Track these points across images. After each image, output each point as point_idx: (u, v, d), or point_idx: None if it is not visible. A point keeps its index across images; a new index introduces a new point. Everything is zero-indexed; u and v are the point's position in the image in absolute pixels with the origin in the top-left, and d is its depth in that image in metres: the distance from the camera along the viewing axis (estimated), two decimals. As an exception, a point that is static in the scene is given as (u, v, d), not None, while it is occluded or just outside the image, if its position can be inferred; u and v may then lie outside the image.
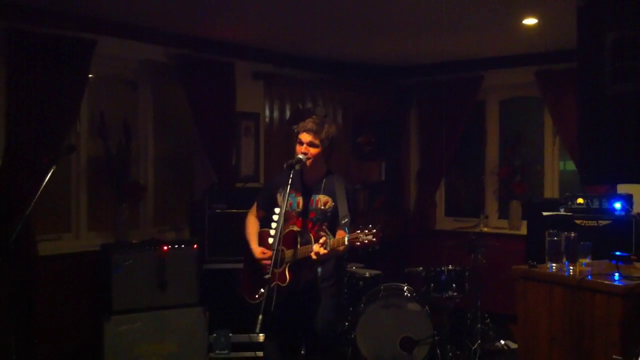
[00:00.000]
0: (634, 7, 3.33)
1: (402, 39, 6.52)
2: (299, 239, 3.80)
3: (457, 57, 7.20)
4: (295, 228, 3.86)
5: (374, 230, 3.53)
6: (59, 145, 5.17)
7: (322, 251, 3.63)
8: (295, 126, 3.98)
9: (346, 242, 3.57)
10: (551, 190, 7.30)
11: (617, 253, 4.17)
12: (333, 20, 5.74)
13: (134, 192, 5.99)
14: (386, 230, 3.83)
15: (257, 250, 3.96)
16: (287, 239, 3.79)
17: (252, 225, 4.15)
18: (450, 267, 5.74)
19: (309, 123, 3.89)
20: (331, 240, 3.66)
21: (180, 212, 6.61)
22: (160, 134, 6.43)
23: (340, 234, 3.70)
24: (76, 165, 5.77)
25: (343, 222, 3.70)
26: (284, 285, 3.71)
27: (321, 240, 3.66)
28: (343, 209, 3.78)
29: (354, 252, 3.81)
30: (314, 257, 3.67)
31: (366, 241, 3.53)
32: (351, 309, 5.72)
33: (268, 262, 3.70)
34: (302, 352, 4.12)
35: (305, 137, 3.87)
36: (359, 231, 3.56)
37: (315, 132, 3.85)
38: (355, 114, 7.92)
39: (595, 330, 3.75)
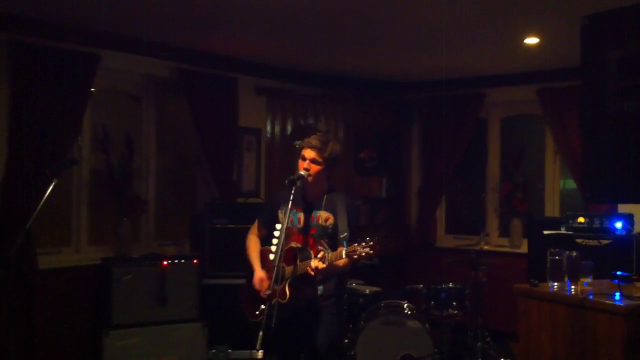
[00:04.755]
0: (638, 26, 3.35)
1: (405, 56, 6.54)
2: (298, 255, 3.79)
3: (459, 74, 7.22)
4: (296, 244, 3.86)
5: (371, 243, 3.53)
6: (61, 158, 5.17)
7: (321, 265, 3.63)
8: (299, 142, 3.97)
9: (344, 256, 3.57)
10: (552, 208, 7.29)
11: (619, 273, 4.16)
12: (336, 36, 5.76)
13: (135, 206, 5.98)
14: (385, 245, 3.83)
15: (257, 276, 3.95)
16: (287, 256, 3.79)
17: (253, 245, 4.14)
18: (450, 284, 5.72)
19: (314, 140, 3.88)
20: (329, 254, 3.66)
21: (181, 226, 6.60)
22: (162, 148, 6.44)
23: (339, 250, 3.69)
24: (77, 178, 5.77)
25: (341, 237, 3.70)
26: (284, 301, 3.70)
27: (319, 255, 3.66)
28: (343, 225, 3.78)
29: (353, 266, 3.80)
30: (311, 272, 3.66)
31: (363, 254, 3.53)
32: (351, 325, 5.69)
33: (264, 291, 3.72)
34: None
35: (309, 153, 3.87)
36: (356, 244, 3.56)
37: (318, 149, 3.85)
38: (357, 129, 7.93)
39: (598, 350, 3.73)
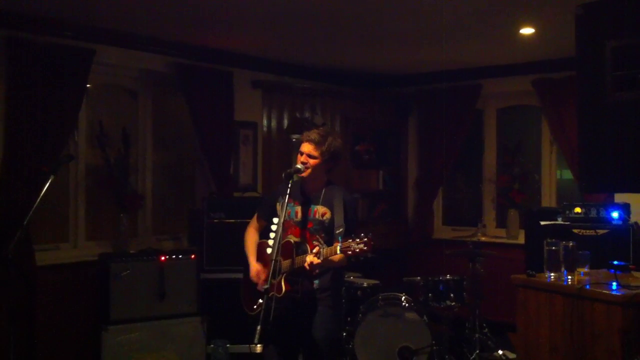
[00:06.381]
0: (633, 15, 3.35)
1: (401, 49, 6.53)
2: (295, 250, 3.80)
3: (455, 65, 7.21)
4: (293, 238, 3.87)
5: (365, 239, 3.55)
6: (58, 154, 5.15)
7: (316, 261, 3.65)
8: (298, 135, 3.99)
9: (338, 251, 3.59)
10: (549, 199, 7.31)
11: (615, 262, 4.17)
12: (332, 30, 5.75)
13: (133, 202, 5.98)
14: (383, 238, 3.85)
15: (253, 269, 3.97)
16: (285, 250, 3.80)
17: (251, 238, 4.16)
18: (448, 276, 5.73)
19: (313, 134, 3.90)
20: (324, 249, 3.67)
21: (179, 221, 6.59)
22: (159, 143, 6.43)
23: (335, 245, 3.70)
24: (75, 174, 5.75)
25: (337, 232, 3.70)
26: (280, 296, 3.71)
27: (315, 250, 3.68)
28: (339, 220, 3.79)
29: (348, 261, 3.82)
30: (307, 267, 3.67)
31: (357, 250, 3.55)
32: (349, 318, 5.71)
33: (262, 283, 3.73)
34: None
35: (306, 147, 3.88)
36: (350, 240, 3.57)
37: (316, 144, 3.86)
38: (354, 122, 7.92)
39: (595, 339, 3.75)
